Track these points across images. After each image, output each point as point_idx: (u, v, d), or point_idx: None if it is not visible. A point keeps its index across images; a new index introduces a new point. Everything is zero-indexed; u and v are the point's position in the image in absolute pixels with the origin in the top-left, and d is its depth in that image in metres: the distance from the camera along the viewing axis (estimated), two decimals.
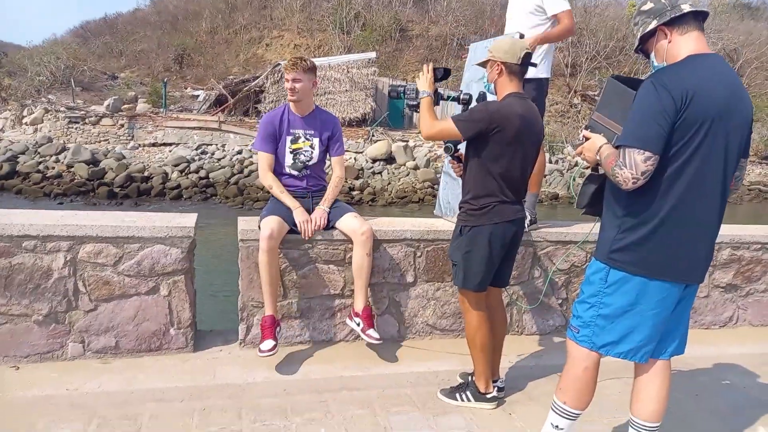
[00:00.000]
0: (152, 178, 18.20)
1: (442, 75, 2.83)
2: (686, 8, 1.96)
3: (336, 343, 3.39)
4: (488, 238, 2.64)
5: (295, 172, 3.32)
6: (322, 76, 22.60)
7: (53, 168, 18.32)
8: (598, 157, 2.06)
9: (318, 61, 24.09)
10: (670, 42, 1.99)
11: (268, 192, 3.30)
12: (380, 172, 19.95)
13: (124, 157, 19.27)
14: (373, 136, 21.60)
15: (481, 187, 2.64)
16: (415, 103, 2.84)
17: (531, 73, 3.50)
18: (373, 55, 24.58)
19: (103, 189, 17.16)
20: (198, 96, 26.51)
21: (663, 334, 2.15)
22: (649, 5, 2.03)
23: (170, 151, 20.13)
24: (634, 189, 1.92)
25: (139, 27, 35.71)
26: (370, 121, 22.75)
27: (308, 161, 3.32)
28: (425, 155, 20.59)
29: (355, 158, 20.37)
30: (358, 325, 3.11)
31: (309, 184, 3.35)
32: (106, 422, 2.49)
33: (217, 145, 20.81)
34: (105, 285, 2.98)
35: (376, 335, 3.07)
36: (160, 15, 36.60)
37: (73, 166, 18.28)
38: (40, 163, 18.54)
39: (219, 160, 19.80)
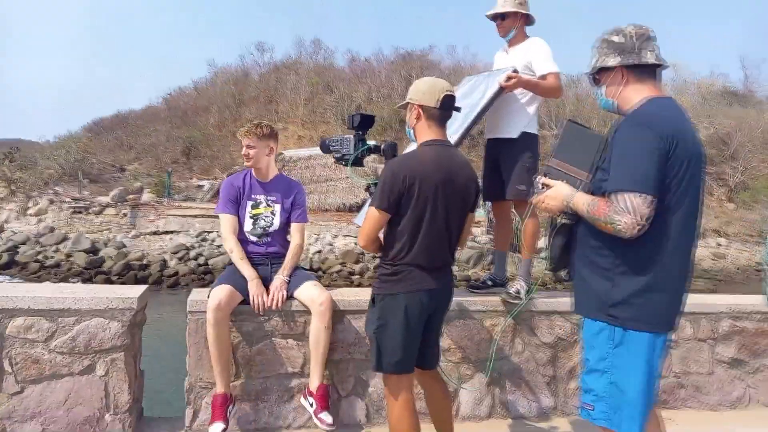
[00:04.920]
0: (150, 265, 18.05)
1: (358, 123, 2.67)
2: (651, 59, 1.93)
3: (296, 429, 3.02)
4: (403, 309, 2.25)
5: (254, 238, 3.14)
6: (322, 164, 23.01)
7: (52, 257, 18.25)
8: (569, 205, 1.91)
9: (319, 150, 24.76)
10: (625, 85, 1.95)
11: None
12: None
13: (124, 246, 19.19)
14: None
15: (394, 249, 2.28)
16: (339, 155, 2.69)
17: (521, 128, 3.35)
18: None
19: (100, 277, 16.95)
20: (203, 186, 26.96)
21: None
22: (617, 38, 1.96)
23: (170, 239, 20.14)
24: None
25: (149, 122, 37.11)
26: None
27: (268, 227, 3.16)
28: None
29: (355, 243, 20.24)
30: (311, 405, 2.77)
31: (269, 251, 3.16)
32: None
33: (217, 232, 20.80)
34: (34, 364, 2.70)
35: (329, 420, 2.72)
36: (170, 110, 38.15)
37: (72, 255, 18.21)
38: (39, 252, 18.49)
39: (219, 246, 19.72)
